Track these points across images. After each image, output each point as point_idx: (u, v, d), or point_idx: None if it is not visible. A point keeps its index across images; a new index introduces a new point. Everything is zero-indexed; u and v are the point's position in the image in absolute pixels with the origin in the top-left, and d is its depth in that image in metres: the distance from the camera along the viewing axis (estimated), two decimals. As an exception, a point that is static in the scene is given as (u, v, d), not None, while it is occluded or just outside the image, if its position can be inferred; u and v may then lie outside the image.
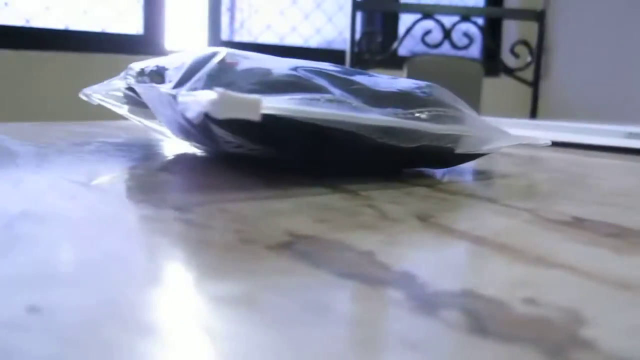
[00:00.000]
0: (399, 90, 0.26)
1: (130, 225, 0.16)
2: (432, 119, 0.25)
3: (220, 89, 0.18)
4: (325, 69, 0.25)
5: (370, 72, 0.28)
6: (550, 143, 0.30)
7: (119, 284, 0.12)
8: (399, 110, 0.24)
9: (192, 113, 0.19)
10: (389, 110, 0.24)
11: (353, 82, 0.25)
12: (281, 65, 0.24)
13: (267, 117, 0.19)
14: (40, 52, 1.58)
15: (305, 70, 0.24)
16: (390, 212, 0.19)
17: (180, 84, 0.24)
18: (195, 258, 0.14)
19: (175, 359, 0.08)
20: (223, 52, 0.25)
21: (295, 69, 0.24)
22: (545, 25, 2.08)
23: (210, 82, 0.23)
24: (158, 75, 0.29)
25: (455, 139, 0.26)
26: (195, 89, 0.23)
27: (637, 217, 0.20)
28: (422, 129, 0.24)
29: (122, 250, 0.14)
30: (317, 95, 0.22)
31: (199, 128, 0.25)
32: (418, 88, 0.27)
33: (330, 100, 0.22)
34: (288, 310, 0.11)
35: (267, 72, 0.23)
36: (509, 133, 0.28)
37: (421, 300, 0.11)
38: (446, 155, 0.27)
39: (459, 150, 0.27)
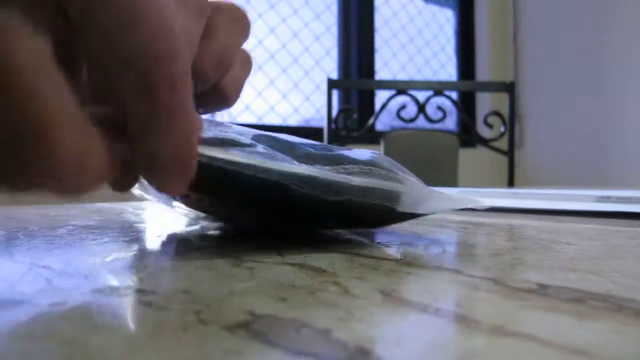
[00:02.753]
0: (335, 153, 0.27)
1: (91, 309, 0.16)
2: (355, 174, 0.26)
3: None
4: (275, 136, 0.27)
5: (347, 147, 0.29)
6: (488, 206, 0.31)
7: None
8: (326, 167, 0.25)
9: None
10: (317, 166, 0.25)
11: (294, 145, 0.26)
12: (229, 130, 0.26)
13: (205, 169, 0.22)
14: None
15: (257, 135, 0.26)
16: (354, 288, 0.19)
17: None
18: (150, 339, 0.13)
19: None
20: None
21: (239, 133, 0.25)
22: (516, 96, 2.15)
23: None
24: None
25: (386, 196, 0.27)
26: None
27: (600, 281, 0.21)
28: (338, 179, 0.25)
29: (79, 335, 0.14)
30: (247, 149, 0.24)
31: None
32: (356, 154, 0.28)
33: (258, 152, 0.23)
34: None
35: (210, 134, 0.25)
36: (446, 194, 0.29)
37: (373, 376, 0.11)
38: (384, 214, 0.27)
39: (399, 209, 0.27)
